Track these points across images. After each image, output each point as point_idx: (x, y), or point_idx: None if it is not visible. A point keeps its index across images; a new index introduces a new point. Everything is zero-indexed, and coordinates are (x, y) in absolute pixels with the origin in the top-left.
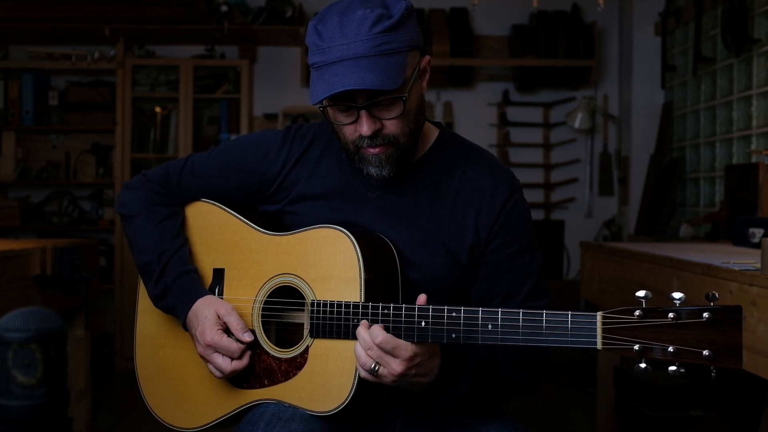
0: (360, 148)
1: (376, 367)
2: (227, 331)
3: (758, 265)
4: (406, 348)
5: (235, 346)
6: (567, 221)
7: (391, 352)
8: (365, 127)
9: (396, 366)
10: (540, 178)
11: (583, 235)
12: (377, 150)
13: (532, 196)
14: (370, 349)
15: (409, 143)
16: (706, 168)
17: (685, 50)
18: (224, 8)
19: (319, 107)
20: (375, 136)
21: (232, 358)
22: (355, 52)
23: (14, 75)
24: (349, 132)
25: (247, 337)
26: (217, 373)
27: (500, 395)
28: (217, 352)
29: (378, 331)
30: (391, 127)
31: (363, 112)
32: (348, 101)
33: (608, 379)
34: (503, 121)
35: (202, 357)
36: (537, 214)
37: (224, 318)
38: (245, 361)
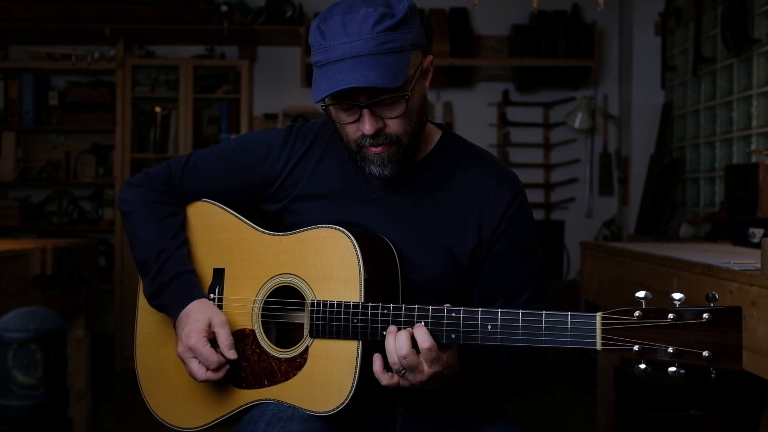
0: (362, 147)
1: (403, 372)
2: (213, 342)
3: (758, 265)
4: (440, 362)
5: (214, 358)
6: (567, 221)
7: (428, 362)
8: (367, 126)
9: (421, 377)
10: (540, 178)
11: (583, 235)
12: (379, 149)
13: (532, 196)
14: (405, 358)
15: (411, 143)
16: (706, 168)
17: (685, 50)
18: (224, 8)
19: (322, 106)
20: (377, 136)
21: (208, 369)
22: (357, 50)
23: (14, 75)
24: (351, 131)
25: (232, 355)
26: (192, 376)
27: (502, 394)
28: (194, 357)
29: (426, 336)
30: (393, 126)
31: (365, 111)
32: (350, 100)
33: (608, 379)
34: (503, 121)
35: (180, 357)
36: (537, 214)
37: (215, 329)
38: (221, 374)
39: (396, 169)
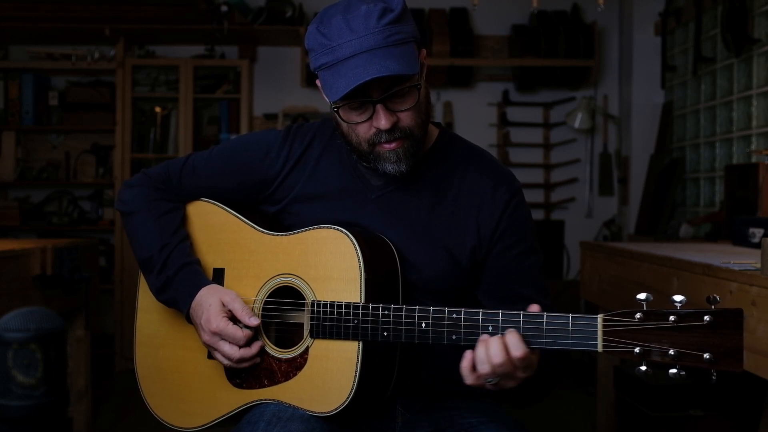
0: (375, 145)
1: (494, 380)
2: (233, 318)
3: (758, 265)
4: (532, 367)
5: (240, 334)
6: (567, 221)
7: (522, 369)
8: (383, 121)
9: (513, 383)
10: (540, 178)
11: (583, 235)
12: (394, 145)
13: (532, 196)
14: (501, 366)
15: (422, 136)
16: (706, 168)
17: (685, 50)
18: (224, 8)
19: (332, 108)
20: (392, 131)
21: (239, 346)
22: (368, 44)
23: (14, 75)
24: (363, 130)
25: (254, 321)
26: (225, 361)
27: (530, 399)
28: (223, 339)
29: (519, 343)
30: (407, 119)
31: (379, 106)
32: (363, 96)
33: (608, 379)
34: (503, 121)
35: (208, 346)
36: (537, 214)
37: (229, 305)
38: (254, 349)
39: (410, 164)
